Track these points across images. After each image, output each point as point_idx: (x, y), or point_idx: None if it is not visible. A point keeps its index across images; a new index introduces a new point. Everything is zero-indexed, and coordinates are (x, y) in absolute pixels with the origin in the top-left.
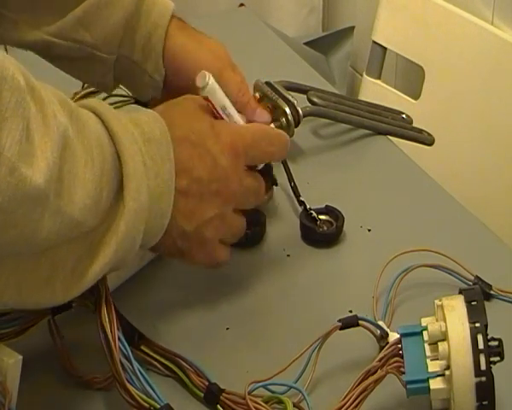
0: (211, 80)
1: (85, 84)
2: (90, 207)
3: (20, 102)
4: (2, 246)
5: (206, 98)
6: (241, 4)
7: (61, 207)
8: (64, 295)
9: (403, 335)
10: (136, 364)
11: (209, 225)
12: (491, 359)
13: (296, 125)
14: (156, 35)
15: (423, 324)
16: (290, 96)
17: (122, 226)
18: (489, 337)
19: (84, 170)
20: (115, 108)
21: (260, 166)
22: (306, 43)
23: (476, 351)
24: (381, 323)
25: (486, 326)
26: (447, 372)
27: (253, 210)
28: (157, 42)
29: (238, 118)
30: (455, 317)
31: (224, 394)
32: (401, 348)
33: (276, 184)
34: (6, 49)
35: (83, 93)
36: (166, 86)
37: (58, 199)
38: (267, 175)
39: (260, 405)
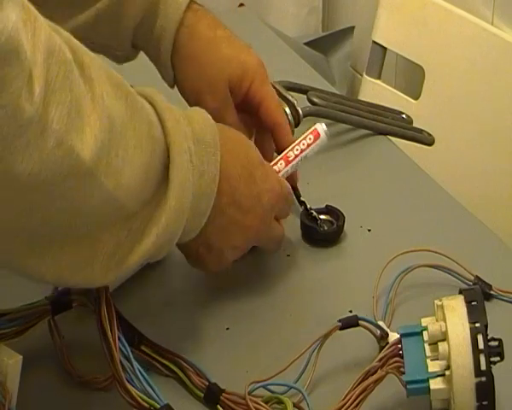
0: None
1: None
2: (135, 193)
3: (68, 75)
4: (52, 215)
5: None
6: (241, 4)
7: (108, 187)
8: (102, 278)
9: (403, 335)
10: (136, 364)
11: (231, 251)
12: (491, 359)
13: (296, 125)
14: (164, 40)
15: (423, 324)
16: (290, 96)
17: (163, 220)
18: (489, 337)
19: (132, 154)
20: None
21: None
22: (306, 44)
23: (476, 351)
24: (381, 323)
25: (486, 326)
26: (447, 373)
27: None
28: (165, 47)
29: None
30: (455, 317)
31: (223, 394)
32: (401, 349)
33: None
34: None
35: None
36: (178, 86)
37: (105, 177)
38: None
39: (260, 405)
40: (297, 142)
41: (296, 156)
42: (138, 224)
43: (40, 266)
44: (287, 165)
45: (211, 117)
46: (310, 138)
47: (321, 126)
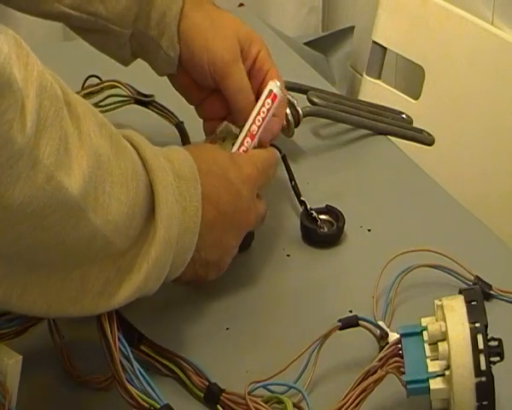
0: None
1: (85, 85)
2: (122, 229)
3: (58, 111)
4: (33, 248)
5: None
6: (241, 4)
7: (95, 223)
8: (93, 312)
9: (403, 335)
10: (136, 364)
11: (230, 252)
12: (491, 359)
13: (296, 125)
14: (171, 12)
15: (423, 324)
16: (290, 96)
17: (152, 253)
18: (489, 337)
19: (119, 191)
20: (115, 108)
21: None
22: (306, 43)
23: (476, 351)
24: (380, 323)
25: (486, 326)
26: (447, 372)
27: None
28: (172, 19)
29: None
30: (455, 317)
31: (223, 394)
32: (401, 348)
33: None
34: None
35: (83, 93)
36: (182, 63)
37: (92, 213)
38: None
39: (260, 405)
40: (256, 111)
41: (259, 127)
42: (127, 261)
43: (27, 296)
44: (253, 139)
45: (187, 153)
46: (268, 103)
47: (274, 85)
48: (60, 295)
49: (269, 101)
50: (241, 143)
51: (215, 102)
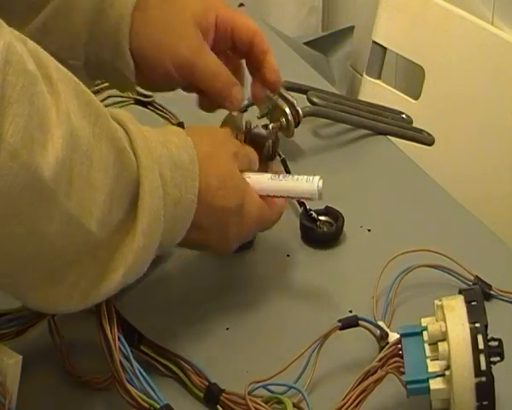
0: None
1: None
2: (100, 217)
3: (27, 87)
4: (8, 242)
5: None
6: (241, 4)
7: (69, 210)
8: (65, 307)
9: (403, 335)
10: (135, 364)
11: (230, 243)
12: (491, 359)
13: (296, 126)
14: (120, 30)
15: (423, 324)
16: (290, 96)
17: (130, 258)
18: (489, 337)
19: (95, 177)
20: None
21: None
22: (306, 43)
23: (476, 351)
24: (380, 323)
25: (486, 326)
26: (447, 373)
27: None
28: (122, 37)
29: None
30: (455, 317)
31: (223, 394)
32: (401, 349)
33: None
34: None
35: None
36: (139, 75)
37: (65, 197)
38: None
39: (260, 405)
40: (292, 185)
41: (280, 190)
42: (105, 253)
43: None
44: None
45: (189, 139)
46: (303, 194)
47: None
48: (48, 296)
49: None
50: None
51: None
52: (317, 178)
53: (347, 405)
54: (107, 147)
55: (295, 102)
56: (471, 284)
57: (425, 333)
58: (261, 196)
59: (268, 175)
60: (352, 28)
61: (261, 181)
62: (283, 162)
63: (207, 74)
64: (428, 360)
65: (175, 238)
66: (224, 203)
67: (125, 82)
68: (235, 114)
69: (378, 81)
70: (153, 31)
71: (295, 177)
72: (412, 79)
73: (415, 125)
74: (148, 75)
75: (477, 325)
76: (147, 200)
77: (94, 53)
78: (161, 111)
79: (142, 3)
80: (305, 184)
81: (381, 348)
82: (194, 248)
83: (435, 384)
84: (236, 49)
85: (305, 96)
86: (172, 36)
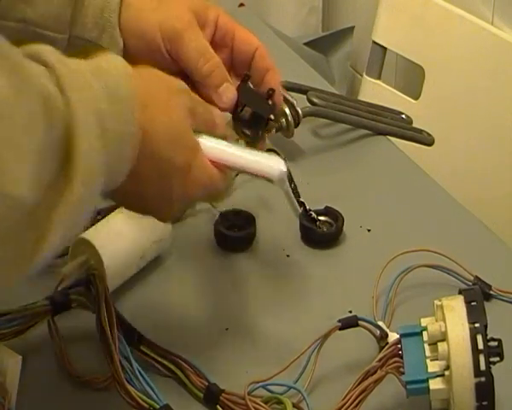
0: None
1: None
2: (29, 180)
3: None
4: None
5: None
6: (241, 4)
7: None
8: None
9: (402, 335)
10: (135, 364)
11: (170, 203)
12: (491, 359)
13: (296, 126)
14: (109, 5)
15: (423, 324)
16: (290, 96)
17: (69, 214)
18: (488, 338)
19: (22, 137)
20: None
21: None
22: (306, 44)
23: (476, 351)
24: (380, 323)
25: (486, 327)
26: (447, 373)
27: (243, 214)
28: (111, 13)
29: None
30: (454, 317)
31: (223, 394)
32: (401, 349)
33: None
34: None
35: None
36: (127, 56)
37: None
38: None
39: (260, 405)
40: (250, 159)
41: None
42: (40, 216)
43: None
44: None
45: (127, 64)
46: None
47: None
48: None
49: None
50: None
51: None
52: (282, 161)
53: (347, 405)
54: (28, 101)
55: (295, 102)
56: (471, 284)
57: (425, 333)
58: (214, 164)
59: (225, 143)
60: (351, 28)
61: (216, 147)
62: None
63: (195, 51)
64: (428, 360)
65: (115, 181)
66: (169, 155)
67: None
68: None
69: (378, 81)
70: (144, 5)
71: (258, 153)
72: (412, 79)
73: (415, 125)
74: (134, 50)
75: (477, 325)
76: (82, 144)
77: (79, 30)
78: None
79: None
80: (265, 162)
81: (381, 349)
82: (131, 207)
83: (435, 384)
84: (234, 64)
85: (304, 97)
86: (165, 10)
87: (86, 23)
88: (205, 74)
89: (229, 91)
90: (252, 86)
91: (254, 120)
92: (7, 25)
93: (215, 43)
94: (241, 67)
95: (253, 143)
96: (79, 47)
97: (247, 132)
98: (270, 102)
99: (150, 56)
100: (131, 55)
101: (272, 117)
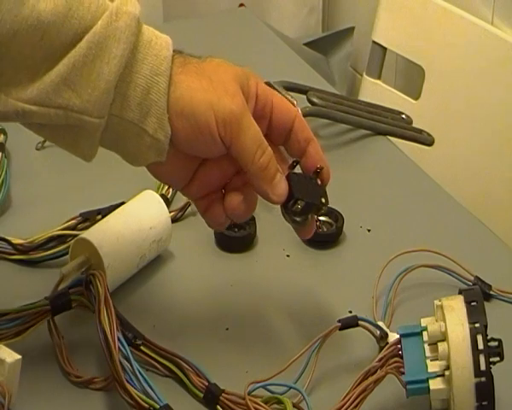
0: None
1: None
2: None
3: None
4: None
5: None
6: (241, 4)
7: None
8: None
9: (402, 335)
10: (135, 364)
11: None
12: (491, 359)
13: None
14: (157, 85)
15: (423, 324)
16: (290, 96)
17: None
18: (489, 338)
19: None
20: None
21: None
22: (306, 44)
23: (476, 351)
24: (380, 323)
25: (486, 327)
26: (447, 373)
27: None
28: (159, 94)
29: None
30: (454, 317)
31: (223, 394)
32: (401, 349)
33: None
34: None
35: None
36: (175, 143)
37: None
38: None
39: (260, 405)
40: None
41: None
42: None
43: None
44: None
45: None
46: None
47: None
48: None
49: None
50: None
51: (212, 170)
52: None
53: (347, 405)
54: None
55: (295, 102)
56: (471, 284)
57: (425, 333)
58: None
59: None
60: (352, 29)
61: None
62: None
63: (252, 141)
64: (428, 361)
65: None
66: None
67: (148, 151)
68: None
69: (378, 81)
70: (194, 84)
71: None
72: (412, 79)
73: (415, 125)
74: (182, 133)
75: (477, 325)
76: None
77: (117, 109)
78: None
79: (180, 58)
80: None
81: (381, 349)
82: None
83: (435, 385)
84: (272, 133)
85: (305, 97)
86: (216, 89)
87: (127, 102)
88: (261, 167)
89: (282, 184)
90: (300, 170)
91: (306, 210)
92: (46, 111)
93: (254, 116)
94: (279, 137)
95: (301, 226)
96: (117, 128)
97: (298, 220)
98: (319, 182)
99: (199, 140)
100: (178, 139)
101: (323, 201)
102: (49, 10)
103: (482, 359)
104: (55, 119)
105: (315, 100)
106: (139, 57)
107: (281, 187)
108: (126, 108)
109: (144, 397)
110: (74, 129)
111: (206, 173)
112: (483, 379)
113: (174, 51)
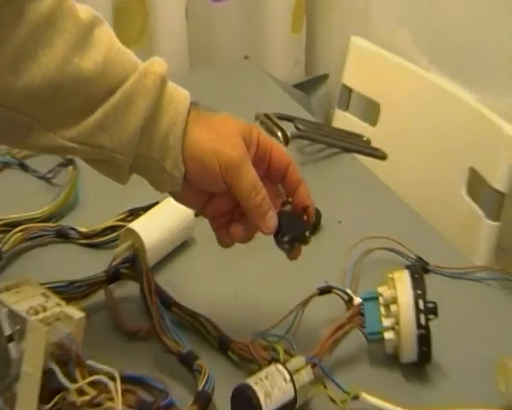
0: None
1: None
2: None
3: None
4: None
5: None
6: (246, 57)
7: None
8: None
9: (364, 299)
10: (168, 321)
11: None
12: (429, 316)
13: (286, 145)
14: (174, 134)
15: (379, 291)
16: (281, 123)
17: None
18: (427, 301)
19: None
20: None
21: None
22: (294, 86)
23: (418, 311)
24: (348, 290)
25: (425, 293)
26: (396, 327)
27: None
28: (176, 141)
29: None
30: (402, 286)
31: (233, 343)
32: (363, 309)
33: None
34: None
35: None
36: (188, 179)
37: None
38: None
39: (260, 350)
40: None
41: None
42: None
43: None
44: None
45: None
46: None
47: None
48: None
49: None
50: None
51: (219, 200)
52: None
53: (323, 350)
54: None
55: (285, 127)
56: (414, 261)
57: (380, 298)
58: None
59: None
60: (327, 75)
61: None
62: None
63: (249, 184)
64: (383, 318)
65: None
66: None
67: (166, 183)
68: None
69: (346, 113)
70: (203, 134)
71: None
72: (371, 111)
73: (372, 145)
74: (193, 172)
75: (419, 291)
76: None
77: (144, 150)
78: None
79: (195, 111)
80: None
81: (348, 309)
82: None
83: (388, 335)
84: (271, 173)
85: (292, 124)
86: (222, 140)
87: (151, 145)
88: (256, 205)
89: (273, 219)
90: (289, 208)
91: (292, 241)
92: (85, 149)
93: (256, 160)
94: (276, 177)
95: (289, 252)
96: (144, 163)
97: (286, 247)
98: (305, 218)
99: (206, 179)
100: (190, 176)
101: (307, 234)
102: (90, 68)
103: (422, 316)
104: (92, 154)
105: (300, 126)
106: (162, 109)
107: (271, 222)
108: (151, 148)
109: (174, 344)
110: (109, 162)
111: (215, 203)
112: (423, 331)
113: (191, 104)
